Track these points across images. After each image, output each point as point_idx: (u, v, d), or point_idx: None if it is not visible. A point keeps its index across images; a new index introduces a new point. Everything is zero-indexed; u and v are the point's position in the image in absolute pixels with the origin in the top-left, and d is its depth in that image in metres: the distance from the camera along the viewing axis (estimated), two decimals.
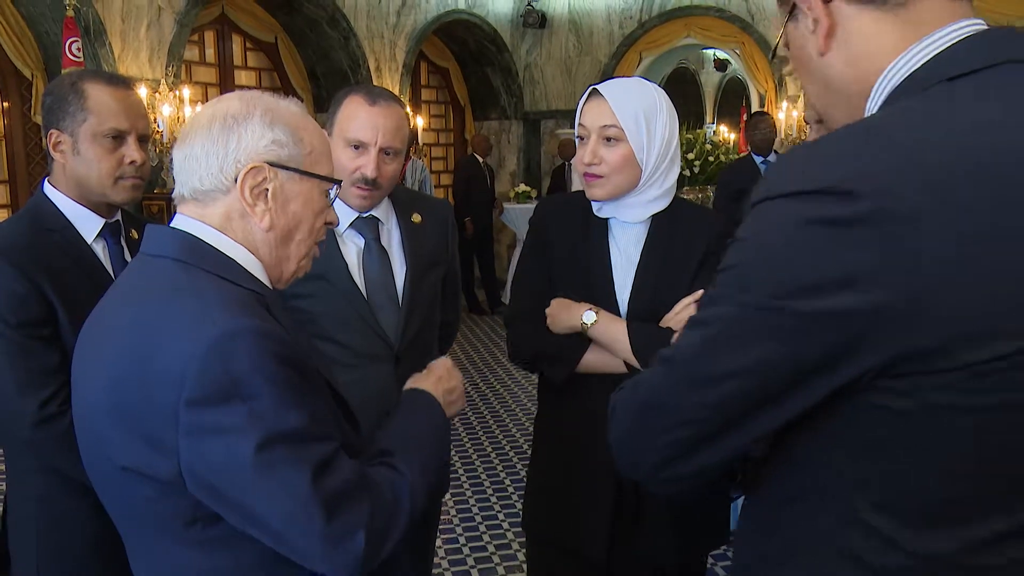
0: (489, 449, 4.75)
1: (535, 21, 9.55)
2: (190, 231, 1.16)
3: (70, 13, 5.31)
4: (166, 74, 6.11)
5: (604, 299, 1.78)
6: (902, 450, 0.81)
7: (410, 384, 1.42)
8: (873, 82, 0.89)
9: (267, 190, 1.15)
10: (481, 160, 8.76)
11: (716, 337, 0.84)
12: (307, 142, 1.19)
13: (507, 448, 4.76)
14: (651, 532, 1.76)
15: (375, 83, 7.58)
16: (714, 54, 13.83)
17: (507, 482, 4.26)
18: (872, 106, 0.89)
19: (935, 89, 0.82)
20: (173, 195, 1.20)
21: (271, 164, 1.15)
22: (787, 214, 0.79)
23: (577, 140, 1.79)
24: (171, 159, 1.19)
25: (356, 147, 1.89)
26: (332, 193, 1.25)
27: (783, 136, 8.45)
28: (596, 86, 1.75)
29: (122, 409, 1.05)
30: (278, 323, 1.12)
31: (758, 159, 5.71)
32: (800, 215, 0.78)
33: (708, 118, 14.68)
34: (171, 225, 1.18)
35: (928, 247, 0.73)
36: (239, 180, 1.13)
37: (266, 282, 1.20)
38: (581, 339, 1.75)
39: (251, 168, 1.13)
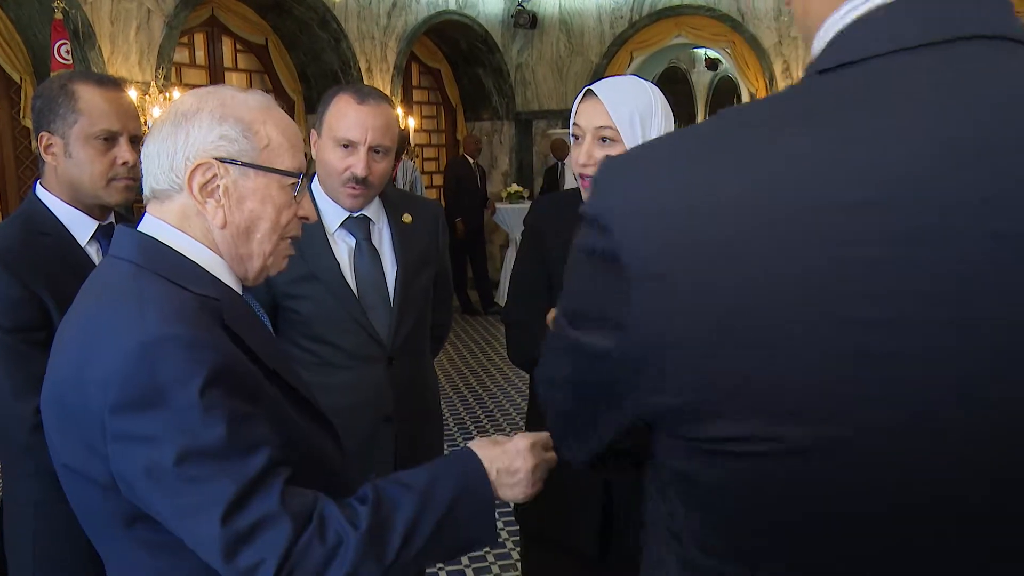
0: None
1: (526, 21, 9.56)
2: (150, 232, 1.14)
3: (58, 16, 5.29)
4: (156, 76, 6.10)
5: None
6: (681, 510, 0.76)
7: (471, 445, 1.26)
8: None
9: (219, 187, 1.12)
10: (471, 161, 8.76)
11: (548, 342, 0.85)
12: (263, 135, 1.15)
13: None
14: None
15: (366, 84, 7.57)
16: (705, 53, 13.85)
17: None
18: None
19: (795, 89, 0.69)
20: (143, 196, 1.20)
21: (221, 160, 1.12)
22: (579, 231, 0.74)
23: (572, 140, 1.79)
24: None
25: (345, 146, 1.89)
26: (298, 187, 1.20)
27: None
28: (591, 86, 1.74)
29: (62, 409, 1.06)
30: (227, 329, 1.09)
31: None
32: (579, 238, 0.73)
33: (700, 118, 14.71)
34: (138, 227, 1.17)
35: (662, 303, 0.65)
36: (185, 176, 1.11)
37: (230, 281, 1.18)
38: None
39: (198, 165, 1.11)
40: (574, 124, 1.76)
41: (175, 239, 1.14)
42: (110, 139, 1.70)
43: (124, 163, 1.71)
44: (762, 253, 0.62)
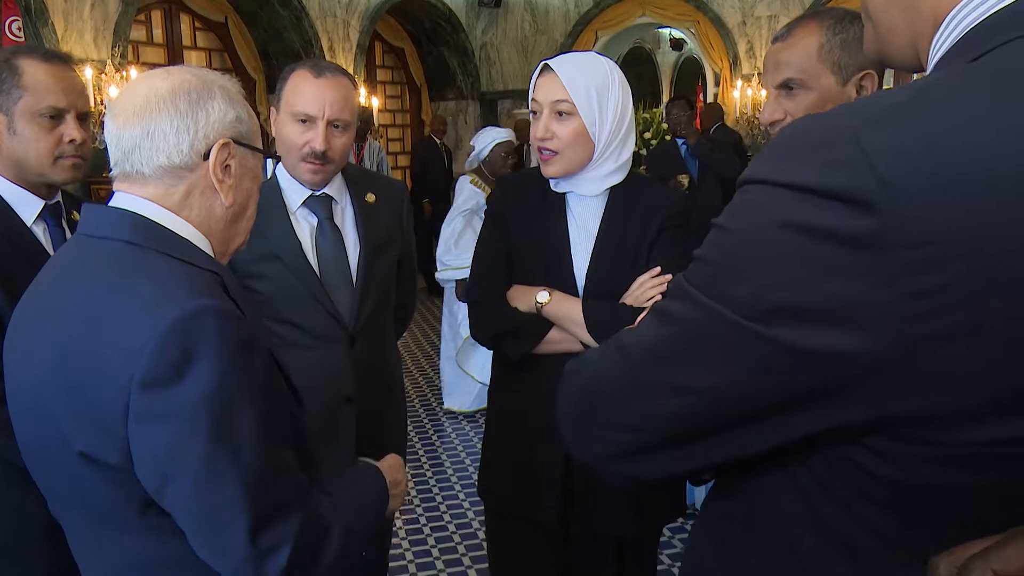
0: (448, 428, 4.76)
1: (490, 0, 9.49)
2: (138, 211, 1.12)
3: None
4: (112, 55, 5.96)
5: (561, 272, 1.78)
6: (875, 516, 0.68)
7: (366, 461, 1.41)
8: (945, 13, 0.69)
9: (229, 166, 1.15)
10: (438, 141, 8.72)
11: (673, 341, 0.70)
12: (253, 118, 1.21)
13: (465, 426, 4.77)
14: (604, 501, 1.78)
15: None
16: (670, 33, 13.87)
17: (467, 461, 4.28)
18: (936, 51, 0.70)
19: (1019, 47, 0.62)
20: (113, 173, 1.15)
21: (235, 141, 1.16)
22: (780, 211, 0.63)
23: (531, 115, 1.80)
24: (110, 135, 1.13)
25: (304, 121, 1.87)
26: (267, 168, 1.29)
27: (738, 115, 8.53)
28: (547, 61, 1.76)
29: (72, 392, 1.03)
30: (236, 304, 1.11)
31: (679, 141, 5.81)
32: (791, 216, 0.61)
33: (665, 97, 14.74)
34: (114, 205, 1.14)
35: (948, 290, 0.57)
36: (212, 156, 1.12)
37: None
38: (540, 319, 1.76)
39: (223, 144, 1.13)
40: (532, 99, 1.78)
41: (167, 219, 1.13)
42: (56, 116, 1.65)
43: (71, 140, 1.66)
44: None
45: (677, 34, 13.34)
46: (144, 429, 0.99)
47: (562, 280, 1.78)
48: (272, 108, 1.96)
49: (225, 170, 1.15)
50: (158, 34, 7.32)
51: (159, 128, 1.11)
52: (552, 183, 1.81)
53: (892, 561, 0.68)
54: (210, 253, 1.18)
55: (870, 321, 0.58)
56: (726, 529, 0.84)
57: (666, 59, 15.16)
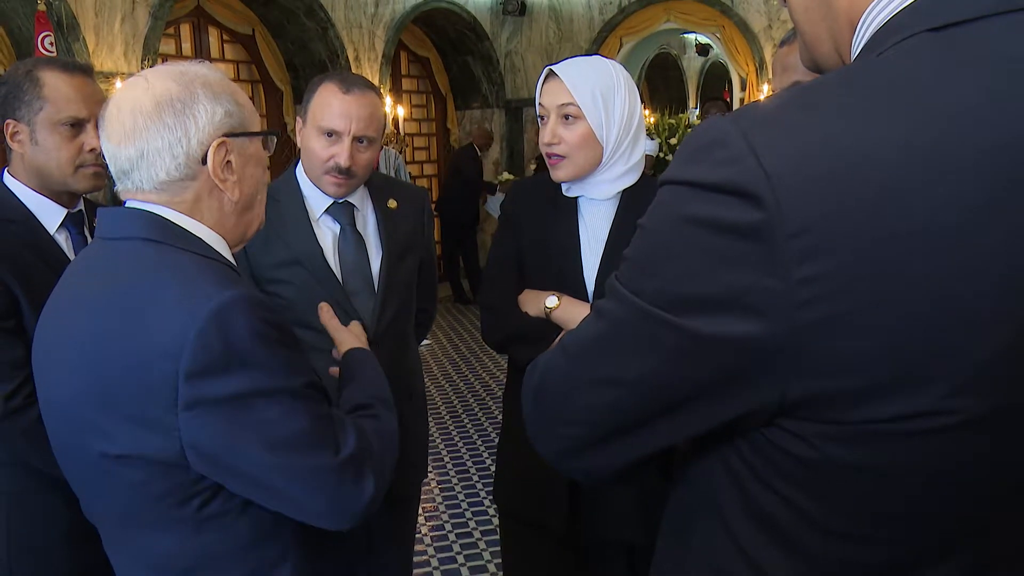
0: (474, 435, 4.76)
1: (515, 8, 9.50)
2: (153, 211, 1.14)
3: (42, 7, 5.25)
4: (142, 68, 6.06)
5: (572, 278, 1.78)
6: (799, 498, 0.71)
7: (342, 348, 1.48)
8: (858, 17, 0.72)
9: (230, 162, 1.16)
10: (478, 152, 8.82)
11: (603, 337, 0.74)
12: (243, 103, 1.20)
13: (491, 433, 4.77)
14: (612, 506, 1.77)
15: (353, 72, 7.50)
16: (695, 39, 13.80)
17: (493, 467, 4.27)
18: (853, 55, 0.74)
19: (910, 45, 0.65)
20: (117, 188, 1.16)
21: (228, 136, 1.16)
22: (680, 206, 0.67)
23: (539, 120, 1.80)
24: (107, 154, 1.15)
25: (330, 135, 1.88)
26: (272, 144, 1.27)
27: None
28: (551, 66, 1.76)
29: (107, 392, 1.04)
30: None
31: None
32: (692, 211, 0.65)
33: (691, 103, 14.67)
34: (128, 207, 1.16)
35: (830, 277, 0.60)
36: (210, 159, 1.13)
37: (228, 256, 1.21)
38: (549, 324, 1.75)
39: (218, 144, 1.14)
40: (539, 105, 1.78)
41: (181, 220, 1.15)
42: (76, 126, 1.69)
43: (91, 150, 1.69)
44: (950, 204, 0.58)
45: (703, 39, 13.27)
46: (198, 415, 1.02)
47: (572, 285, 1.77)
48: (298, 118, 1.98)
49: (227, 167, 1.16)
50: (187, 47, 7.43)
51: (152, 147, 1.12)
52: (564, 187, 1.81)
53: (823, 547, 0.71)
54: (224, 251, 1.19)
55: (766, 308, 0.62)
56: (677, 519, 0.87)
57: (692, 64, 15.08)
